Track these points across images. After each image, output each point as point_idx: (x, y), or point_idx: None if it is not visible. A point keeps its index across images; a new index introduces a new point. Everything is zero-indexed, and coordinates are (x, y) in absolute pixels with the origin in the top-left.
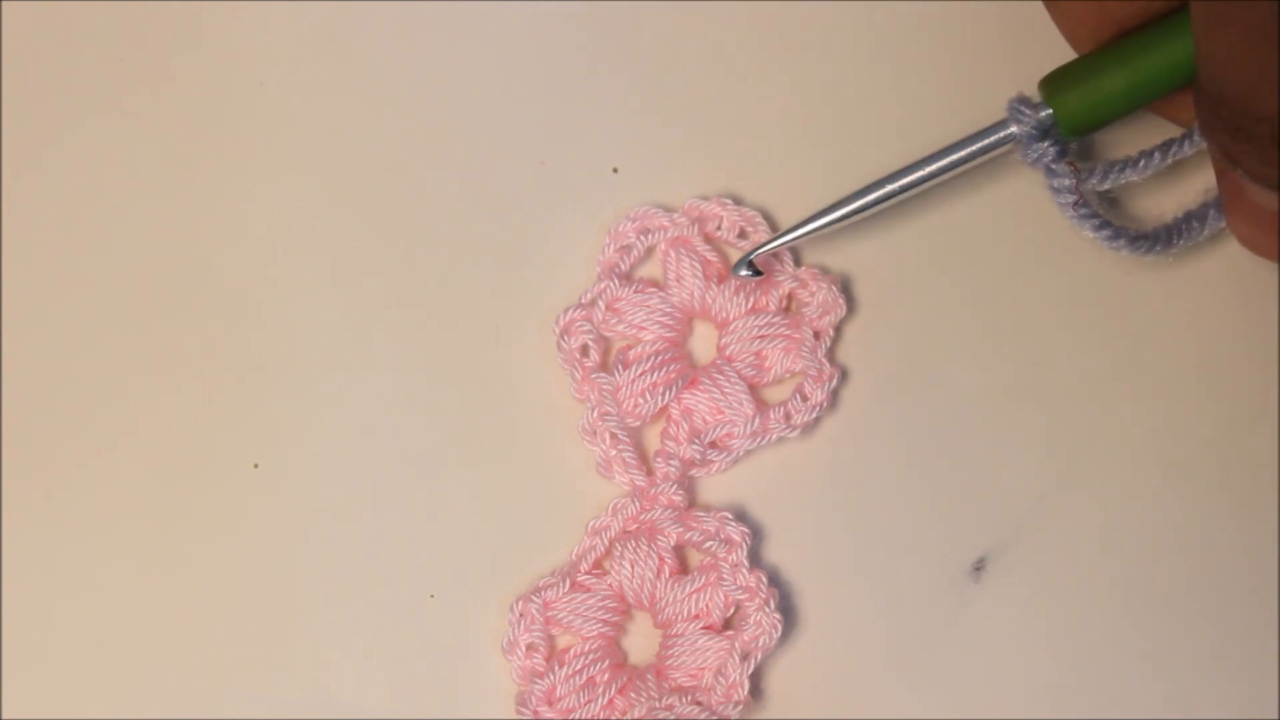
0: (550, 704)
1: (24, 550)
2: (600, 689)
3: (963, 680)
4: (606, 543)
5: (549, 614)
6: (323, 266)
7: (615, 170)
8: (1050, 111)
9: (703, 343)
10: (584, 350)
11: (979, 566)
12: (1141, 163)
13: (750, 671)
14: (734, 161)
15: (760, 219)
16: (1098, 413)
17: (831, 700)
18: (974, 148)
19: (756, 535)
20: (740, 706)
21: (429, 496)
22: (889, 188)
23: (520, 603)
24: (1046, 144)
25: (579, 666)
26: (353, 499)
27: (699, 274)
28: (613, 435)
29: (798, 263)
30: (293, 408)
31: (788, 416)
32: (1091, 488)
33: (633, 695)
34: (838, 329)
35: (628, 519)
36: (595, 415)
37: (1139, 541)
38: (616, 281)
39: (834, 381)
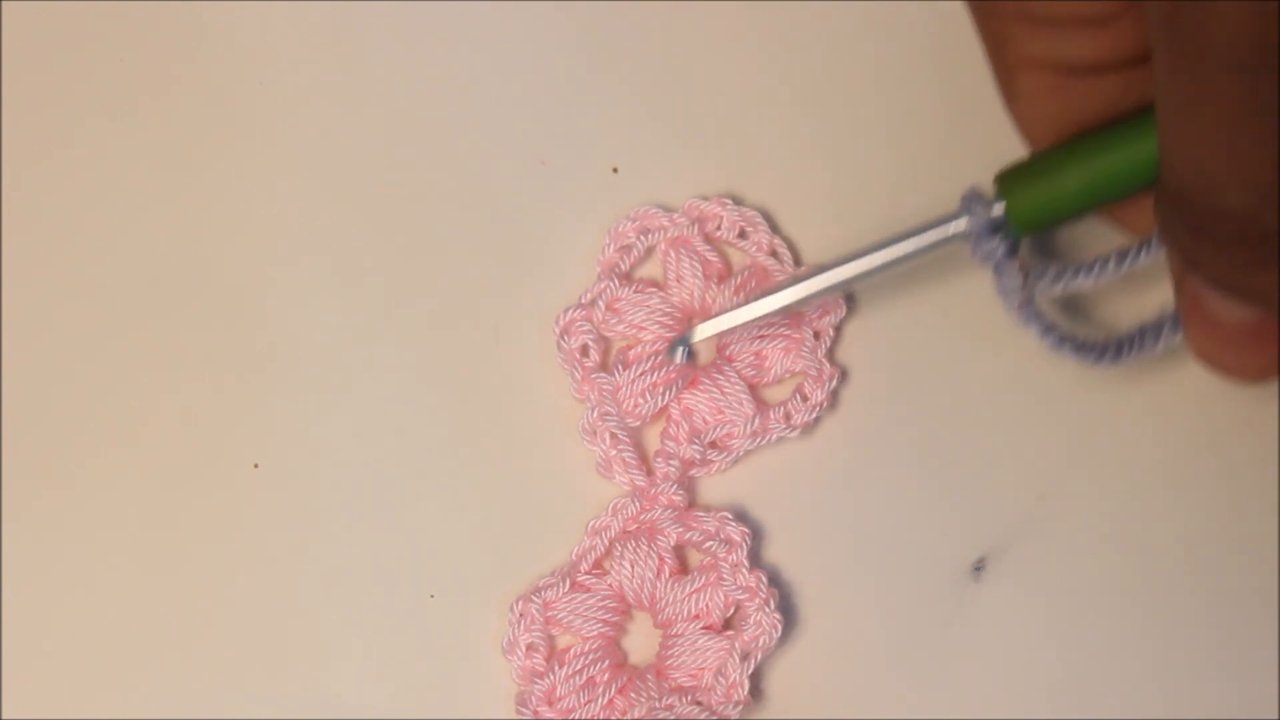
0: (550, 704)
1: (24, 550)
2: (600, 689)
3: (963, 680)
4: (606, 543)
5: (549, 614)
6: (323, 266)
7: (615, 170)
8: (1002, 207)
9: (703, 343)
10: (584, 350)
11: (979, 566)
12: (1095, 269)
13: (750, 671)
14: (734, 161)
15: (760, 219)
16: (1098, 412)
17: (831, 700)
18: (924, 244)
19: (756, 535)
20: (740, 706)
21: (429, 496)
22: (834, 281)
23: (520, 603)
24: (996, 241)
25: (579, 666)
26: (352, 499)
27: (699, 274)
28: (613, 435)
29: (797, 263)
30: (293, 408)
31: (788, 416)
32: (1091, 487)
33: (633, 695)
34: (838, 329)
35: (628, 519)
36: (595, 415)
37: (1139, 541)
38: (616, 281)
39: (834, 381)
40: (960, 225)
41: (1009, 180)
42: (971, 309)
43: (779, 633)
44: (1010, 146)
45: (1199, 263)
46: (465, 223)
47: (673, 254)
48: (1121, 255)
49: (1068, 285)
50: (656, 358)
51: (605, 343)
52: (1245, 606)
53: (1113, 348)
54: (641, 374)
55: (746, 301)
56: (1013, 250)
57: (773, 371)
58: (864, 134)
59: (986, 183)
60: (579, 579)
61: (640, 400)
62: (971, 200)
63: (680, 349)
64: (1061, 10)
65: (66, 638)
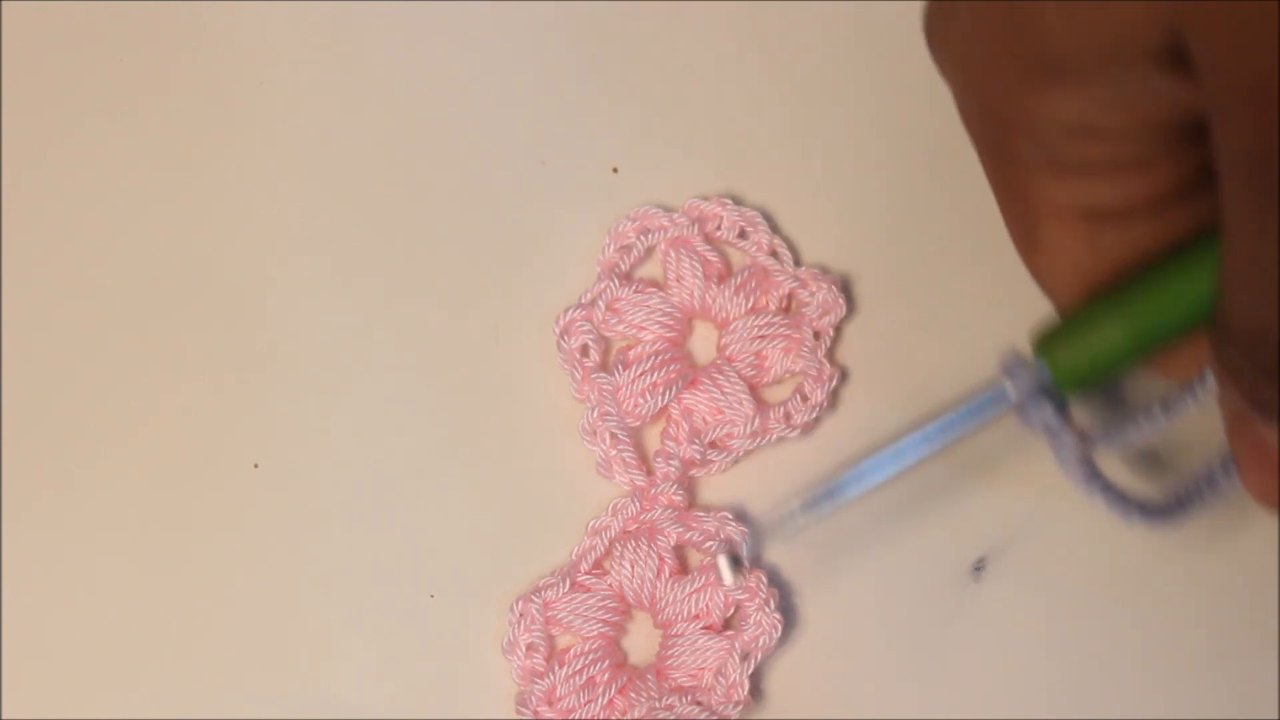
0: (550, 704)
1: (24, 549)
2: (600, 689)
3: (963, 680)
4: (606, 543)
5: (549, 614)
6: (323, 266)
7: (615, 170)
8: (1045, 368)
9: (703, 343)
10: (584, 350)
11: (979, 566)
12: (1142, 423)
13: (750, 671)
14: (734, 161)
15: (760, 219)
16: None
17: (831, 700)
18: (971, 425)
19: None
20: (740, 706)
21: (429, 496)
22: (884, 476)
23: (520, 603)
24: (1045, 405)
25: (579, 666)
26: (353, 499)
27: (699, 274)
28: (613, 435)
29: (797, 263)
30: (293, 408)
31: (788, 416)
32: None
33: (633, 695)
34: (838, 329)
35: (628, 519)
36: (595, 415)
37: (1138, 541)
38: (616, 281)
39: (834, 381)
40: (1008, 395)
41: (1050, 342)
42: (970, 308)
43: (779, 633)
44: None
45: (1269, 405)
46: (465, 223)
47: (673, 254)
48: (1167, 404)
49: (1123, 443)
50: (656, 358)
51: (605, 343)
52: (1245, 606)
53: (1175, 506)
54: (641, 374)
55: (798, 500)
56: (1063, 411)
57: (773, 371)
58: (864, 134)
59: (982, 185)
60: (579, 579)
61: (640, 400)
62: (1013, 366)
63: (727, 562)
64: (1095, 154)
65: (66, 638)
